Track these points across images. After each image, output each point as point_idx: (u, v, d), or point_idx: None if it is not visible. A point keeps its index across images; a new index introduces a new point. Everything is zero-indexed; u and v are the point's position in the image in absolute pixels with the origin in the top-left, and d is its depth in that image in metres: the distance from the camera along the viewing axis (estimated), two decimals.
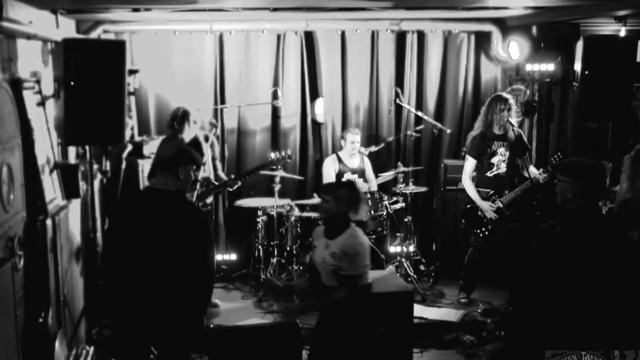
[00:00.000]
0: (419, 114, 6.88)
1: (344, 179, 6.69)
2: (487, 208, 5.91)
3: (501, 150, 5.94)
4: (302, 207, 6.52)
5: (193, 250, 3.67)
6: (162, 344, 3.79)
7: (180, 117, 5.93)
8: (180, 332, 3.76)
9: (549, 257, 3.54)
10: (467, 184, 6.01)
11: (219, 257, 6.47)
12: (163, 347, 3.80)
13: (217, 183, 5.98)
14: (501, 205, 5.90)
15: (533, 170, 5.96)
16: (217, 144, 6.28)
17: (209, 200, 6.10)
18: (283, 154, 6.10)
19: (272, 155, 6.15)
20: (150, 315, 3.70)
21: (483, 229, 5.96)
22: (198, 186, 5.57)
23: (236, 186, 6.01)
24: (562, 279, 3.47)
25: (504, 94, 6.11)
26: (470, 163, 6.01)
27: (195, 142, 6.03)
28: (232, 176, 6.11)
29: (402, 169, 6.61)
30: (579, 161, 4.00)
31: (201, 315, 3.96)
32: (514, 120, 6.03)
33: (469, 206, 6.07)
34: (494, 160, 5.94)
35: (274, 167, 6.20)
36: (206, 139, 6.05)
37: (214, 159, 6.18)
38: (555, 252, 3.51)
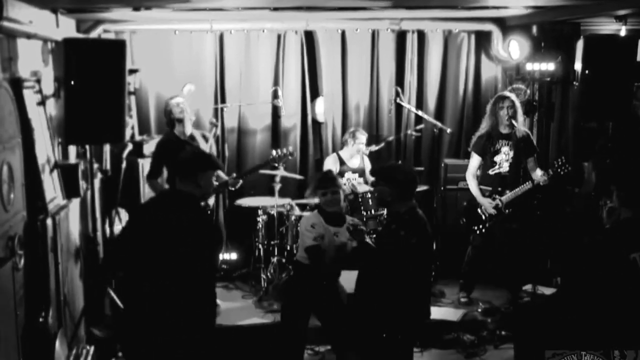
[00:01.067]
0: (420, 113, 6.88)
1: (344, 179, 6.69)
2: (487, 204, 5.91)
3: (505, 149, 5.93)
4: (302, 207, 6.51)
5: (201, 257, 3.53)
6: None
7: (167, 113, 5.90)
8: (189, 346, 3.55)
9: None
10: (470, 180, 6.03)
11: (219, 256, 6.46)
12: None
13: (217, 182, 5.93)
14: (500, 204, 5.89)
15: (538, 174, 5.93)
16: (214, 144, 6.22)
17: (211, 201, 6.04)
18: (284, 151, 6.03)
19: (274, 152, 6.11)
20: (157, 321, 3.52)
21: (480, 226, 5.97)
22: None
23: (238, 185, 5.97)
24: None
25: (508, 93, 6.11)
26: (474, 160, 6.02)
27: (192, 140, 5.97)
28: (234, 175, 6.05)
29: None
30: (395, 167, 4.70)
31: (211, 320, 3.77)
32: (520, 119, 6.01)
33: (466, 204, 6.09)
34: (497, 158, 5.94)
35: (276, 165, 6.17)
36: (205, 138, 6.02)
37: None
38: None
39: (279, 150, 6.05)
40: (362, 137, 6.71)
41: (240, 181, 5.94)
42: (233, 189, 6.02)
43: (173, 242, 3.50)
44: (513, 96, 6.03)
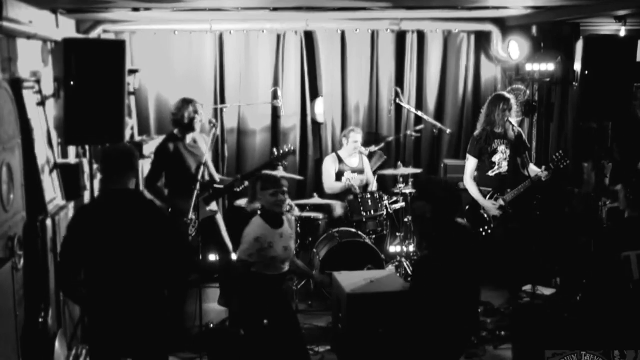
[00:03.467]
0: (419, 113, 6.88)
1: (343, 178, 6.69)
2: (491, 207, 5.89)
3: (502, 148, 5.93)
4: (302, 207, 6.51)
5: (160, 246, 3.55)
6: (140, 349, 3.62)
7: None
8: (154, 334, 3.61)
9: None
10: (469, 184, 5.99)
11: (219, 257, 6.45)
12: (141, 353, 3.63)
13: (222, 186, 5.85)
14: (503, 204, 5.89)
15: (533, 169, 5.95)
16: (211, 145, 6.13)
17: (214, 205, 5.89)
18: (285, 149, 5.94)
19: (275, 151, 6.07)
20: (123, 318, 3.54)
21: (486, 228, 5.95)
22: (199, 189, 5.45)
23: (242, 187, 5.88)
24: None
25: (505, 94, 6.10)
26: (471, 162, 5.99)
27: (194, 144, 5.91)
28: (238, 176, 5.90)
29: (402, 169, 6.61)
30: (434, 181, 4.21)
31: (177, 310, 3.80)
32: (514, 119, 6.03)
33: (469, 206, 6.07)
34: (495, 158, 5.93)
35: (280, 164, 6.11)
36: (204, 141, 5.95)
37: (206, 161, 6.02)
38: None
39: (280, 149, 6.00)
40: (356, 135, 6.70)
41: (246, 182, 5.85)
42: (238, 190, 5.94)
43: (128, 238, 3.50)
44: (510, 96, 6.04)
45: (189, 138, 5.73)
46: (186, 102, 5.67)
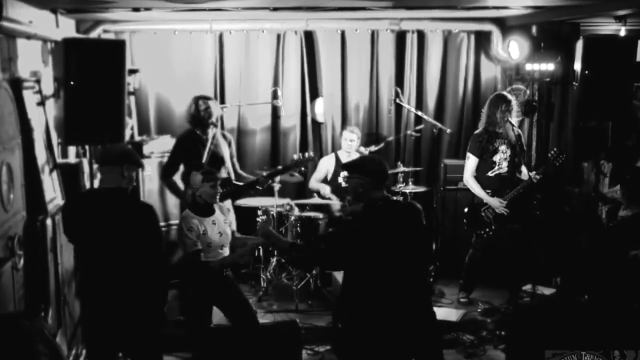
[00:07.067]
0: (419, 113, 6.88)
1: (340, 178, 6.68)
2: (497, 204, 5.87)
3: (503, 147, 5.92)
4: (302, 207, 6.51)
5: (144, 244, 3.75)
6: (129, 344, 3.84)
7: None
8: (144, 329, 3.80)
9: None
10: (471, 183, 5.96)
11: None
12: (131, 348, 3.87)
13: (241, 183, 5.88)
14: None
15: (525, 172, 5.97)
16: (233, 142, 6.19)
17: (228, 203, 5.92)
18: (306, 155, 5.98)
19: (295, 156, 6.08)
20: (112, 312, 3.77)
21: (487, 229, 5.94)
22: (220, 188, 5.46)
23: (266, 185, 5.87)
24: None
25: (506, 94, 6.10)
26: (472, 161, 5.97)
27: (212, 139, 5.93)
28: (264, 174, 5.85)
29: (402, 168, 6.60)
30: (366, 158, 4.22)
31: (161, 308, 3.97)
32: (515, 120, 6.02)
33: (467, 208, 6.06)
34: (496, 158, 5.92)
35: (299, 169, 6.17)
36: (225, 137, 5.99)
37: (231, 157, 6.04)
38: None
39: (300, 154, 6.01)
40: (349, 134, 6.66)
41: (269, 181, 5.85)
42: (261, 188, 5.93)
43: (117, 236, 3.74)
44: (511, 96, 6.03)
45: (206, 134, 5.77)
46: (193, 99, 5.83)
